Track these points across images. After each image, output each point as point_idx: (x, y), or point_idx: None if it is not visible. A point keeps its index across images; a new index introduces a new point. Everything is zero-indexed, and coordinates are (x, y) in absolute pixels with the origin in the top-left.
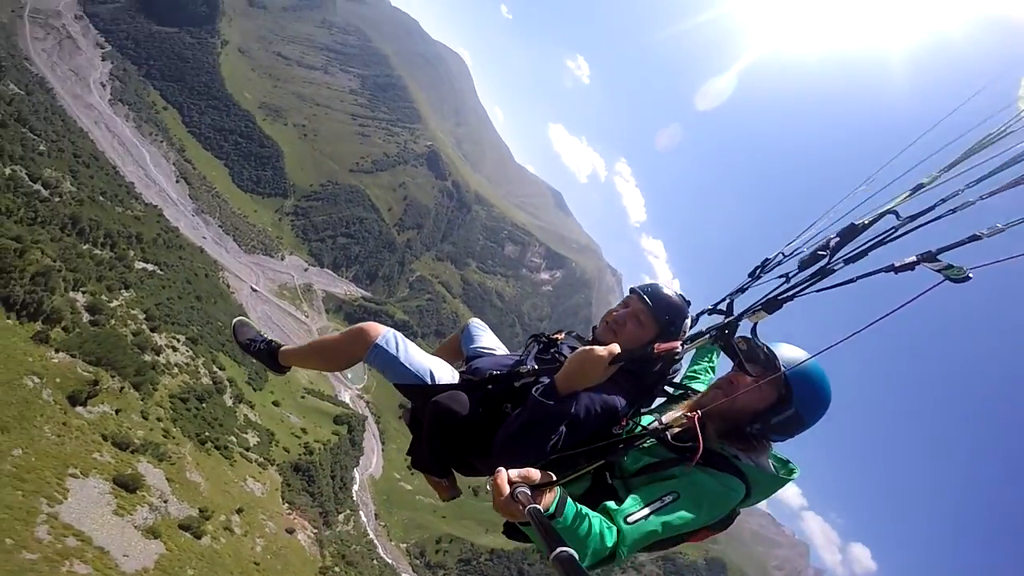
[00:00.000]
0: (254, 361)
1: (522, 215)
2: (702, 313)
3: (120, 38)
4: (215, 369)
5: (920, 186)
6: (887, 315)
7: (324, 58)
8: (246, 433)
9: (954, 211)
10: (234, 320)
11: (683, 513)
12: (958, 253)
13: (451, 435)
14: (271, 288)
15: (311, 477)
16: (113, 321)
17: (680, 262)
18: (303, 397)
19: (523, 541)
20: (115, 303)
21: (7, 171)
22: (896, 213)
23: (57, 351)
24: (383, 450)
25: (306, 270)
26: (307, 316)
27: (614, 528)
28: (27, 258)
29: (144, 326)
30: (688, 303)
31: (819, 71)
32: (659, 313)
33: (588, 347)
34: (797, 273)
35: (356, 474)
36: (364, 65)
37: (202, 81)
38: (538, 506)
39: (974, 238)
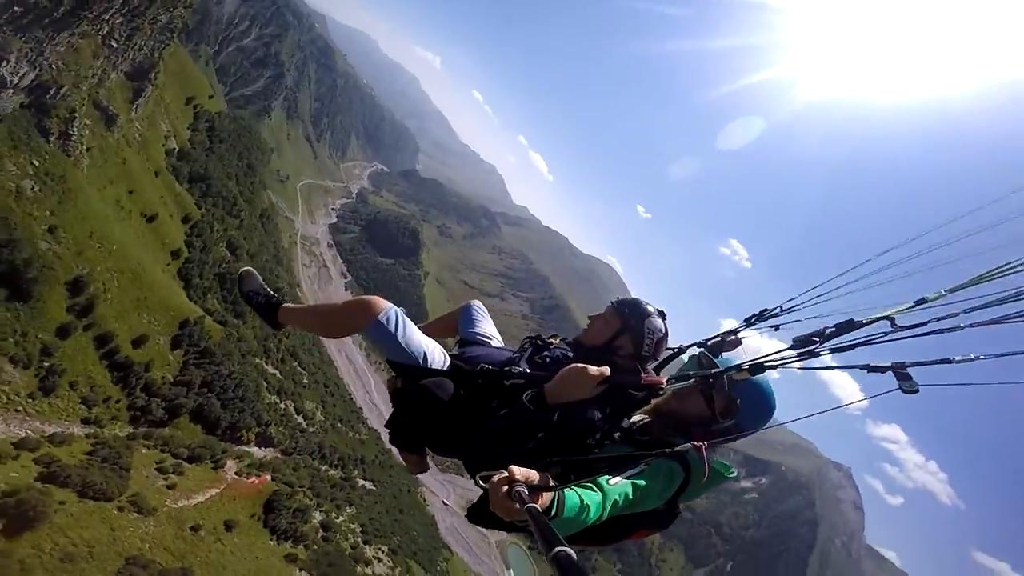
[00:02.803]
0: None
1: None
2: (695, 345)
3: (356, 267)
4: None
5: (923, 300)
6: (838, 407)
7: (499, 284)
8: None
9: (941, 332)
10: (241, 269)
11: (648, 480)
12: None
13: (432, 418)
14: (460, 504)
15: None
16: (338, 536)
17: (926, 442)
18: None
19: (488, 526)
20: (340, 519)
21: (282, 406)
22: (892, 320)
23: (301, 569)
24: None
25: None
26: (487, 531)
27: (599, 494)
28: (294, 499)
29: (359, 539)
30: (663, 315)
31: None
32: (620, 310)
33: (582, 365)
34: (788, 348)
35: None
36: (530, 288)
37: (412, 313)
38: (536, 505)
39: (945, 361)
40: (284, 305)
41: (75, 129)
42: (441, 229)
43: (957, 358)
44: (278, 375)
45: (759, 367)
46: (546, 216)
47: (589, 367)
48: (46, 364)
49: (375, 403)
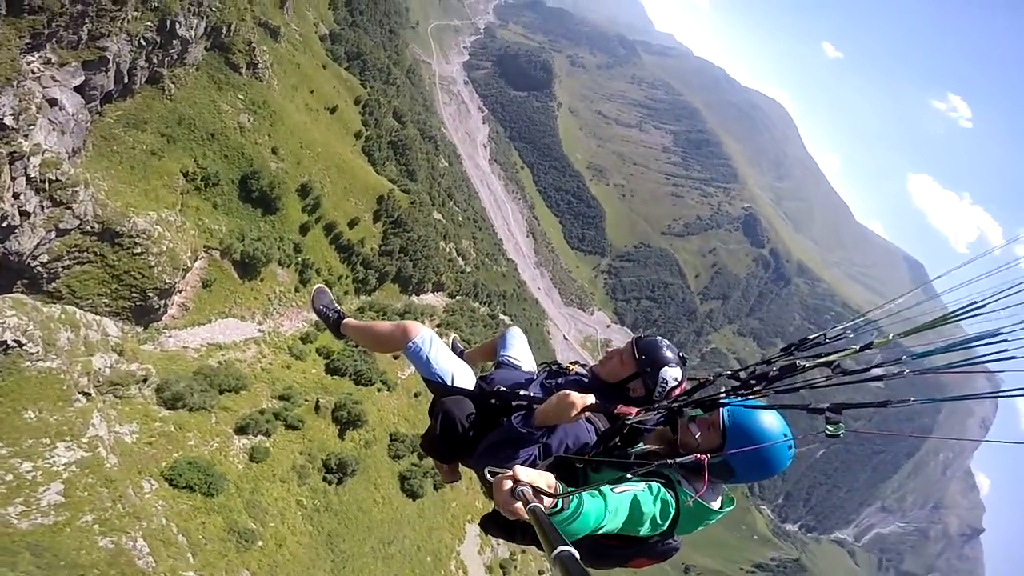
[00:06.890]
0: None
1: (858, 290)
2: (723, 376)
3: (491, 102)
4: None
5: (869, 346)
6: (793, 440)
7: (638, 115)
8: None
9: (880, 379)
10: (315, 287)
11: (646, 499)
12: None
13: (451, 431)
14: (577, 339)
15: None
16: None
17: None
18: None
19: (499, 536)
20: None
21: (447, 248)
22: (835, 365)
23: None
24: None
25: (608, 327)
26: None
27: (601, 500)
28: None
29: None
30: (683, 360)
31: None
32: (638, 355)
33: (567, 392)
34: (738, 386)
35: None
36: (675, 120)
37: (546, 143)
38: (540, 505)
39: (882, 404)
40: (345, 321)
41: (258, 56)
42: (573, 59)
43: (894, 401)
44: (442, 219)
45: (711, 404)
46: (699, 47)
47: (573, 394)
48: (298, 259)
49: (512, 233)
